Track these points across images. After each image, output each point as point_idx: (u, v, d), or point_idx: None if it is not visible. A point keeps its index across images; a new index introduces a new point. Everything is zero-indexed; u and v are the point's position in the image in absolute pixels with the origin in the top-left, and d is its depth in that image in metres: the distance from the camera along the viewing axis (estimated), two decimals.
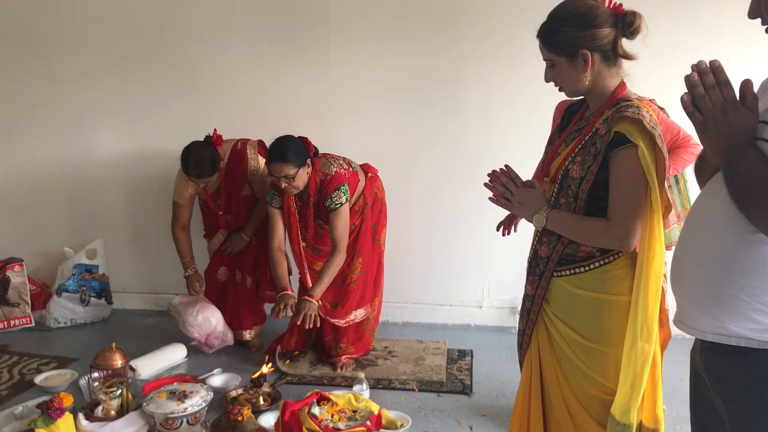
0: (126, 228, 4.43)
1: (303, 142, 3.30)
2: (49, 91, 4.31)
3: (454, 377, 3.46)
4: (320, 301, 3.31)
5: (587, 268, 1.85)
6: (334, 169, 3.33)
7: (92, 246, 4.33)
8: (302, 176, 3.26)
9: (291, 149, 3.20)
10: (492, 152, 3.76)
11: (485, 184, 1.96)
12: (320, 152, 3.46)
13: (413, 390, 3.32)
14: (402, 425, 2.90)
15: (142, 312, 4.47)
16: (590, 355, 1.86)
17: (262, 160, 3.66)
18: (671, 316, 1.66)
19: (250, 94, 4.09)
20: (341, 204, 3.29)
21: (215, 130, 3.62)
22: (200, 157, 3.45)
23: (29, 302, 4.19)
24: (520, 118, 3.84)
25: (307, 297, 3.27)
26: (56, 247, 4.36)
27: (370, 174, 3.58)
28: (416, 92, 3.98)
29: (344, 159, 3.45)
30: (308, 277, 3.46)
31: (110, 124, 4.30)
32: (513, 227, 2.36)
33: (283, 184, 3.24)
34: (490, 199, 1.96)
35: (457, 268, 4.15)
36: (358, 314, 3.52)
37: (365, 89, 4.02)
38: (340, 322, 3.47)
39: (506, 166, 1.97)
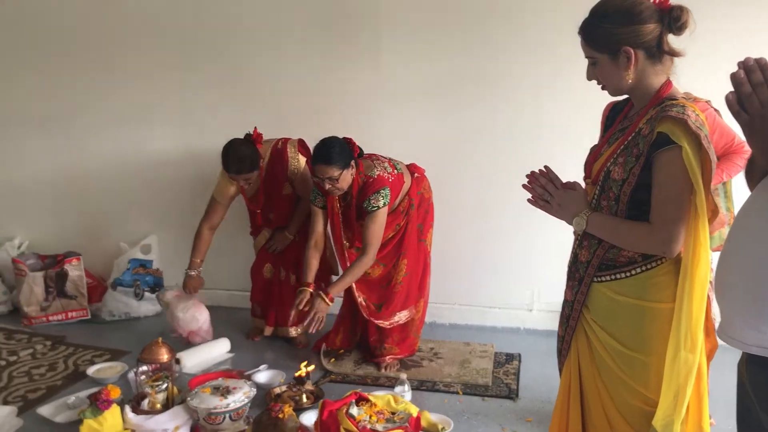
0: (179, 225, 4.52)
1: (347, 143, 3.30)
2: (105, 90, 4.44)
3: (500, 381, 3.40)
4: (331, 302, 3.30)
5: (628, 274, 1.78)
6: (377, 172, 3.32)
7: (147, 242, 4.44)
8: (346, 178, 3.25)
9: (335, 151, 3.20)
10: (542, 151, 3.67)
11: (524, 186, 1.91)
12: (366, 152, 3.45)
13: (457, 393, 3.28)
14: (443, 429, 2.87)
15: None
16: (631, 364, 1.79)
17: (302, 159, 3.68)
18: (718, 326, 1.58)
19: (298, 91, 4.11)
20: (378, 207, 3.27)
21: (255, 128, 3.66)
22: (240, 154, 3.49)
23: (86, 295, 4.32)
24: (572, 117, 3.74)
25: (322, 295, 3.28)
26: (112, 242, 4.49)
27: (416, 174, 3.55)
28: (466, 89, 3.93)
29: (389, 161, 3.43)
30: None
31: (163, 122, 4.40)
32: None
33: (327, 186, 3.25)
34: (528, 200, 1.91)
35: (506, 270, 4.08)
36: (402, 316, 3.50)
37: (414, 86, 3.99)
38: (384, 324, 3.46)
39: (546, 167, 1.91)
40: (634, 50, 1.71)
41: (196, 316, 3.76)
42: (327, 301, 3.27)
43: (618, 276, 1.80)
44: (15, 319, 4.30)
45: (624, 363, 1.80)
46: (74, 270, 4.30)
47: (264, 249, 3.87)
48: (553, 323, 3.97)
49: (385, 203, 3.29)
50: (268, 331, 3.89)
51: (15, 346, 3.86)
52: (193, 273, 3.81)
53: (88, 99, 4.48)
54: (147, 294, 4.37)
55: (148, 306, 4.37)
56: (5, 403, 3.17)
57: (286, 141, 3.71)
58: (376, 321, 3.45)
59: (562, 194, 1.86)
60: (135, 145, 4.47)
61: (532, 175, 1.90)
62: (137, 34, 4.31)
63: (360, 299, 3.44)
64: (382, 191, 3.27)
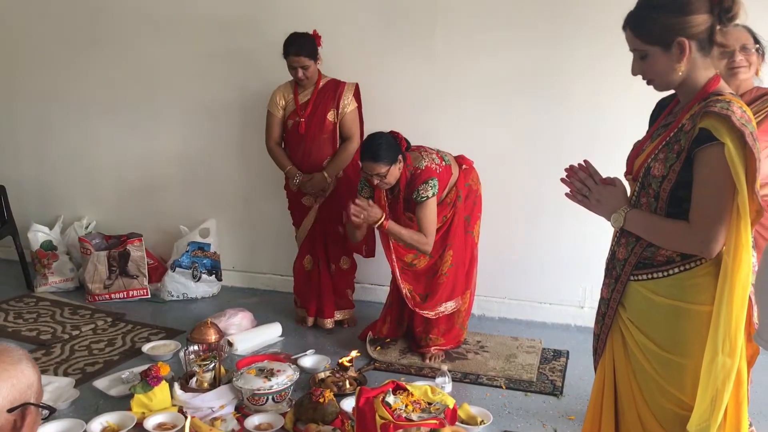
0: (236, 210, 4.63)
1: (394, 137, 3.32)
2: (169, 78, 4.58)
3: (545, 377, 3.36)
4: (386, 222, 3.30)
5: (666, 274, 1.73)
6: (425, 164, 3.31)
7: (205, 225, 4.56)
8: (394, 173, 3.28)
9: (383, 147, 3.23)
10: (598, 146, 3.59)
11: (562, 179, 1.88)
12: (415, 144, 3.45)
13: (500, 387, 3.26)
14: (482, 422, 2.86)
15: (248, 290, 4.66)
16: (666, 366, 1.74)
17: (353, 104, 3.76)
18: None
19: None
20: (427, 197, 3.28)
21: (314, 30, 3.73)
22: (301, 38, 3.62)
23: (146, 275, 4.49)
24: (629, 111, 3.61)
25: (381, 212, 3.30)
26: (173, 225, 4.63)
27: (464, 166, 3.53)
28: (520, 83, 3.87)
29: (437, 152, 3.42)
30: (397, 269, 3.46)
31: (223, 112, 4.50)
32: None
33: (376, 181, 3.29)
34: (566, 195, 1.88)
35: (558, 266, 4.01)
36: (448, 306, 3.50)
37: (469, 79, 3.96)
38: (430, 314, 3.46)
39: (585, 161, 1.87)
40: (687, 41, 1.65)
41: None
42: (382, 218, 3.28)
43: (655, 275, 1.75)
44: (80, 296, 4.51)
45: (659, 365, 1.75)
46: (136, 251, 4.47)
47: (306, 241, 3.93)
48: None
49: (433, 193, 3.29)
50: (309, 321, 3.96)
51: (78, 321, 4.06)
52: (299, 177, 3.77)
53: (154, 90, 4.63)
54: (204, 276, 4.49)
55: (204, 288, 4.50)
56: (65, 374, 3.34)
57: (344, 82, 3.80)
58: (421, 311, 3.46)
59: (601, 189, 1.81)
60: (197, 134, 4.60)
61: (570, 169, 1.87)
62: (203, 24, 4.41)
63: (405, 290, 3.46)
64: (430, 182, 3.27)
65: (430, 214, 3.32)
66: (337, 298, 3.95)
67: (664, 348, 1.74)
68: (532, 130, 3.91)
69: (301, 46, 3.60)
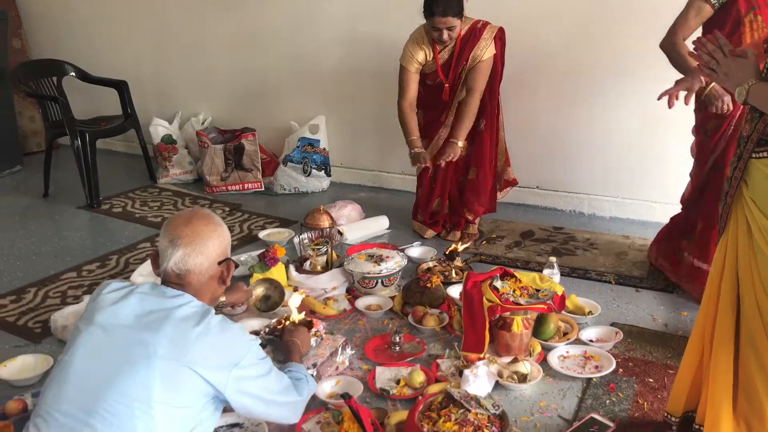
0: (345, 109, 4.66)
1: None
2: None
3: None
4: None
5: None
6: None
7: (315, 122, 4.63)
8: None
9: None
10: None
11: (689, 53, 1.78)
12: None
13: (610, 282, 3.22)
14: (590, 312, 2.85)
15: (356, 186, 4.75)
16: None
17: (491, 50, 3.45)
18: None
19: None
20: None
21: None
22: None
23: (260, 169, 4.65)
24: None
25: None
26: (284, 121, 4.74)
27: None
28: None
29: None
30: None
31: (332, 13, 4.46)
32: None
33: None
34: (695, 68, 1.79)
35: (674, 163, 3.81)
36: None
37: None
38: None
39: (715, 31, 1.75)
40: None
41: None
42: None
43: None
44: (198, 188, 4.75)
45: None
46: (250, 145, 4.62)
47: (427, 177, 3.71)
48: None
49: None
50: (430, 234, 3.80)
51: None
52: (418, 150, 3.51)
53: None
54: (314, 171, 4.60)
55: (314, 182, 4.63)
56: None
57: (486, 24, 3.46)
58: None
59: (729, 62, 1.70)
60: (306, 35, 4.60)
61: (698, 41, 1.75)
62: None
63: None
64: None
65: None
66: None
67: None
68: None
69: (448, 4, 3.24)
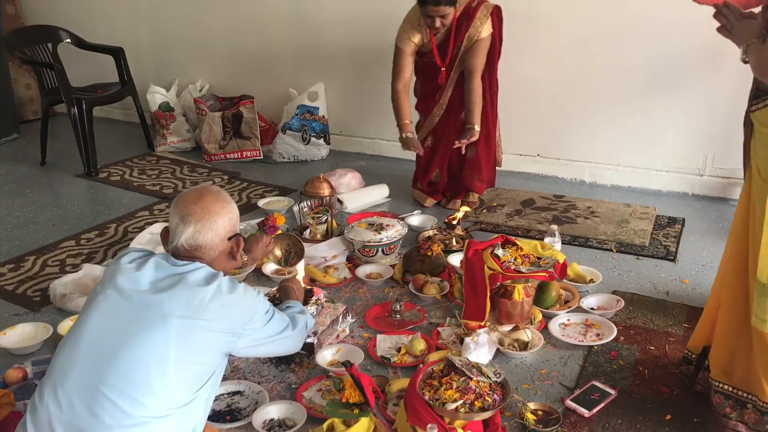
0: (344, 76, 4.60)
1: None
2: None
3: (659, 242, 3.27)
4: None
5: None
6: None
7: (314, 89, 4.58)
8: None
9: None
10: None
11: (714, 15, 1.85)
12: None
13: (611, 250, 3.21)
14: (591, 280, 2.84)
15: (355, 154, 4.71)
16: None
17: (488, 28, 3.39)
18: None
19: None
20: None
21: None
22: None
23: (258, 137, 4.61)
24: None
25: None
26: (282, 88, 4.68)
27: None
28: None
29: None
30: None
31: None
32: None
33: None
34: (717, 29, 1.86)
35: (676, 131, 3.79)
36: None
37: None
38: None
39: (725, 2, 1.83)
40: None
41: None
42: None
43: (765, 102, 1.76)
44: (197, 155, 4.71)
45: (758, 190, 1.79)
46: (248, 112, 4.57)
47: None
48: (725, 190, 3.75)
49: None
50: (430, 202, 3.78)
51: (197, 178, 4.27)
52: (408, 135, 3.53)
53: None
54: (313, 139, 4.56)
55: (314, 150, 4.59)
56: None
57: (481, 2, 3.39)
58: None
59: (738, 24, 1.79)
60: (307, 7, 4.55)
61: (717, 9, 1.84)
62: None
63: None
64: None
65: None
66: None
67: (764, 178, 1.76)
68: None
69: None
